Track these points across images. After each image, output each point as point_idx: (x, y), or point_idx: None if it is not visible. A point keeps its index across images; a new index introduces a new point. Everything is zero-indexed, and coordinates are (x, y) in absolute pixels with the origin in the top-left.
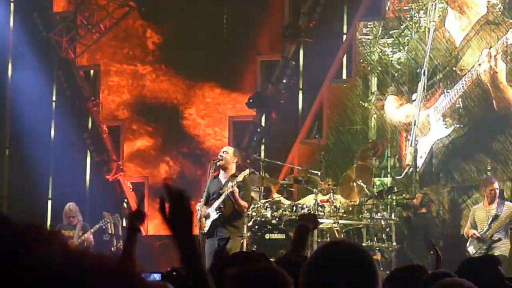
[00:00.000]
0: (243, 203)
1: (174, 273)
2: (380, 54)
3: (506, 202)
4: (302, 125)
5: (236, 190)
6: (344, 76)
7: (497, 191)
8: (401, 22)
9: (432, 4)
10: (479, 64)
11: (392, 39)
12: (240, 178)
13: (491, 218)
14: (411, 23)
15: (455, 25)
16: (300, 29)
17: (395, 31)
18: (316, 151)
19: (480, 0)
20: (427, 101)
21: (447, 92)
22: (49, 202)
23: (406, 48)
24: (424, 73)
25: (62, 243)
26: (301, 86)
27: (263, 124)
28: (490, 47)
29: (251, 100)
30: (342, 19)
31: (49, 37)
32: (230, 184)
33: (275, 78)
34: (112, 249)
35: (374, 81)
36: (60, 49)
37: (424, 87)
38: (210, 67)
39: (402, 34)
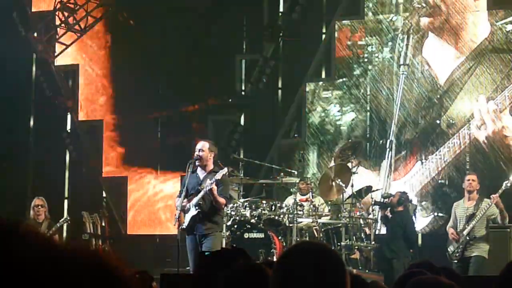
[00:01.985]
0: (221, 200)
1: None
2: (324, 115)
3: (485, 199)
4: (281, 125)
5: (215, 187)
6: (323, 76)
7: (474, 183)
8: (354, 65)
9: (404, 37)
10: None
11: (341, 92)
12: (218, 176)
13: (468, 216)
14: (370, 66)
15: (438, 54)
16: (280, 29)
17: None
18: (295, 150)
19: (479, 19)
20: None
21: (424, 160)
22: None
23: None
24: (390, 146)
25: (42, 239)
26: (280, 86)
27: (242, 123)
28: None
29: (230, 100)
30: (321, 19)
31: (28, 37)
32: (208, 181)
33: (254, 78)
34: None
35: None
36: (38, 48)
37: (390, 161)
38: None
39: (354, 85)
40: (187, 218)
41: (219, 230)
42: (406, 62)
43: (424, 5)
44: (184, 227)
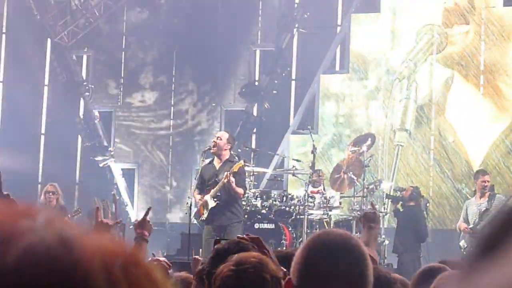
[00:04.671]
0: (240, 190)
1: None
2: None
3: (498, 195)
4: (294, 116)
5: (233, 179)
6: (338, 68)
7: (488, 183)
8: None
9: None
10: None
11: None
12: (235, 169)
13: (481, 212)
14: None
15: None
16: (295, 20)
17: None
18: (307, 142)
19: None
20: None
21: None
22: (39, 186)
23: None
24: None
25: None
26: (294, 77)
27: (255, 113)
28: None
29: (243, 90)
30: (337, 10)
31: (43, 21)
32: (226, 172)
33: (268, 68)
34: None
35: None
36: (53, 33)
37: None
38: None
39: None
40: (207, 210)
41: (237, 220)
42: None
43: None
44: (204, 218)
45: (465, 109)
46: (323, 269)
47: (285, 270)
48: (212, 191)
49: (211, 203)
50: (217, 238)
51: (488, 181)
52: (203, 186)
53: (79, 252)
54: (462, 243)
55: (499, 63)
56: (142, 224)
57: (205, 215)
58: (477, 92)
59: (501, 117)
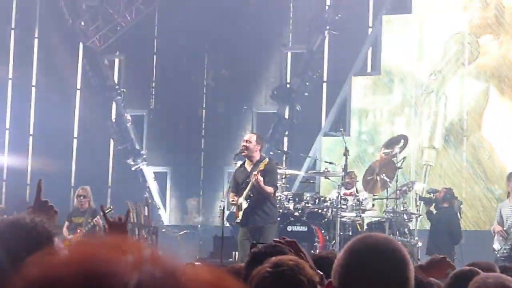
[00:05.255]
0: (269, 189)
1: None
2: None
3: None
4: (326, 118)
5: (261, 178)
6: (369, 70)
7: None
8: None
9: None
10: None
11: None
12: (261, 167)
13: None
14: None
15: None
16: (326, 22)
17: (388, 75)
18: (339, 144)
19: None
20: None
21: None
22: (71, 190)
23: None
24: None
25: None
26: (325, 79)
27: (286, 116)
28: None
29: (275, 92)
30: (368, 12)
31: (75, 26)
32: (254, 172)
33: (300, 70)
34: (134, 238)
35: None
36: (85, 37)
37: None
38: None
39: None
40: (241, 212)
41: (271, 220)
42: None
43: None
44: (239, 221)
45: (502, 124)
46: (365, 272)
47: (321, 273)
48: (244, 192)
49: (244, 205)
50: (254, 242)
51: None
52: (238, 189)
53: (186, 284)
54: (496, 245)
55: None
56: (116, 225)
57: (240, 217)
58: None
59: None
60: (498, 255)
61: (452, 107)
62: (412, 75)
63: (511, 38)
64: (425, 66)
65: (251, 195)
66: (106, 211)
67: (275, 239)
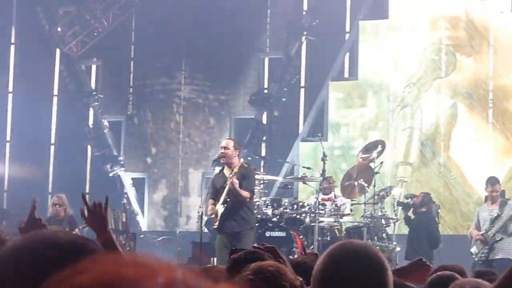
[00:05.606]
0: (245, 193)
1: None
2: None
3: (510, 201)
4: (303, 123)
5: (236, 180)
6: (347, 75)
7: (498, 192)
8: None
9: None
10: None
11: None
12: (236, 169)
13: (493, 218)
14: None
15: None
16: (303, 27)
17: (366, 80)
18: (317, 149)
19: None
20: None
21: None
22: (49, 196)
23: None
24: None
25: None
26: (303, 84)
27: (264, 121)
28: None
29: (253, 98)
30: (345, 17)
31: (51, 32)
32: (229, 176)
33: (277, 76)
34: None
35: None
36: (62, 43)
37: None
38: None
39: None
40: (218, 217)
41: (248, 226)
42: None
43: None
44: (216, 226)
45: (472, 144)
46: (344, 277)
47: (301, 279)
48: (221, 197)
49: (221, 209)
50: (233, 248)
51: (498, 191)
52: (216, 195)
53: None
54: (474, 249)
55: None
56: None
57: (217, 223)
58: (486, 124)
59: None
60: (476, 259)
61: (427, 121)
62: (387, 86)
63: (481, 58)
64: (400, 77)
65: (228, 199)
66: (82, 227)
67: (255, 245)
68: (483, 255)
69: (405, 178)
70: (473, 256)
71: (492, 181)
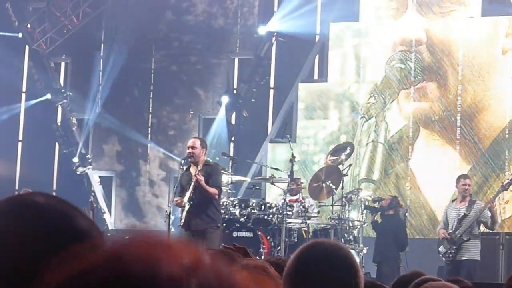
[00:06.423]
0: (212, 190)
1: None
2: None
3: (477, 201)
4: (272, 124)
5: (201, 177)
6: (316, 77)
7: (469, 187)
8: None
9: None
10: None
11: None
12: (200, 166)
13: (460, 217)
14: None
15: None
16: (273, 28)
17: (335, 82)
18: (285, 150)
19: None
20: None
21: None
22: (16, 193)
23: None
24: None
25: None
26: (272, 85)
27: (233, 122)
28: None
29: (222, 98)
30: (316, 19)
31: (21, 28)
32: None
33: (247, 77)
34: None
35: None
36: (31, 40)
37: None
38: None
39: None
40: (183, 215)
41: (214, 225)
42: None
43: None
44: (181, 224)
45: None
46: (314, 277)
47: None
48: (187, 194)
49: (187, 206)
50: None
51: (469, 185)
52: (183, 193)
53: None
54: (441, 248)
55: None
56: None
57: (183, 220)
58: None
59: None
60: (444, 258)
61: (392, 134)
62: (351, 98)
63: (446, 84)
64: (365, 86)
65: (194, 197)
66: None
67: (225, 245)
68: (450, 255)
69: (369, 196)
70: (440, 255)
71: (463, 176)
